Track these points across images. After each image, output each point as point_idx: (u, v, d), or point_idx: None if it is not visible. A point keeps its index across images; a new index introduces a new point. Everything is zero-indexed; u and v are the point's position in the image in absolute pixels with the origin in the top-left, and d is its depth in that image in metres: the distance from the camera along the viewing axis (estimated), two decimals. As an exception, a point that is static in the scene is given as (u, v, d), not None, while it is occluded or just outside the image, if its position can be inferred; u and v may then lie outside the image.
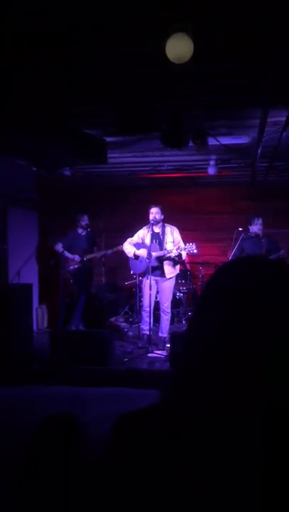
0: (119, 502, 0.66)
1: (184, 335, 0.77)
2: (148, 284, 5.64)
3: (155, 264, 5.66)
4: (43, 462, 0.96)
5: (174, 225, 5.92)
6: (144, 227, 5.93)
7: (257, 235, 5.97)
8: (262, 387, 0.64)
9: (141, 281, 6.04)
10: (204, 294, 0.78)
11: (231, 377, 0.66)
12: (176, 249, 5.62)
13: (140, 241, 5.89)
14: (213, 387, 0.67)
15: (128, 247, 5.91)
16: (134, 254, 5.82)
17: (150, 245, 5.61)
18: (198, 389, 0.69)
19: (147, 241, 5.77)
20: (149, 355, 5.45)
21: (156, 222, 5.74)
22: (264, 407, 0.63)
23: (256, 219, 5.96)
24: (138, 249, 5.84)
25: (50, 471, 0.93)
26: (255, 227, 5.95)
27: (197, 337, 0.74)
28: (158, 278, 5.76)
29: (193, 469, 0.63)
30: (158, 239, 5.77)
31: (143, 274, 5.88)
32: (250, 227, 6.01)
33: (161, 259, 5.69)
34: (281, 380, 0.64)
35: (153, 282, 5.68)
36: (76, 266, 6.60)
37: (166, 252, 5.63)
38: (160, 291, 5.87)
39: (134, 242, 5.93)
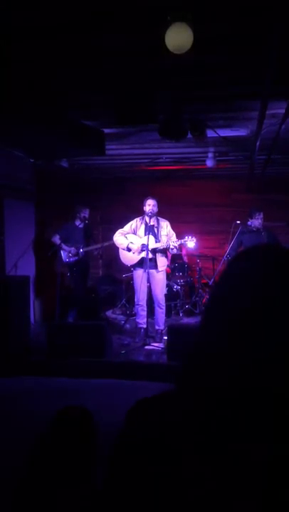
0: (131, 487, 0.66)
1: (199, 326, 0.76)
2: (144, 277, 5.62)
3: (151, 256, 5.65)
4: (58, 454, 0.95)
5: (172, 217, 5.93)
6: (137, 219, 5.91)
7: (257, 229, 5.95)
8: (277, 384, 0.64)
9: (132, 275, 6.02)
10: (219, 287, 0.77)
11: (247, 372, 0.65)
12: (175, 241, 5.63)
13: (132, 232, 5.87)
14: (226, 381, 0.67)
15: (120, 238, 5.88)
16: (128, 247, 5.80)
17: (147, 238, 5.60)
18: (210, 381, 0.68)
19: (140, 233, 5.77)
20: (146, 347, 5.46)
21: (153, 215, 5.74)
22: (276, 404, 0.63)
23: (258, 213, 5.93)
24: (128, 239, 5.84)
25: (67, 463, 0.93)
26: (256, 222, 5.93)
27: (212, 330, 0.73)
28: (151, 270, 5.74)
29: (198, 461, 0.63)
30: (152, 231, 5.75)
31: (135, 266, 5.85)
32: (250, 221, 5.98)
33: (154, 251, 5.69)
34: None
35: (145, 275, 5.66)
36: (73, 258, 6.58)
37: (166, 244, 5.63)
38: (153, 284, 5.85)
39: (125, 232, 5.90)
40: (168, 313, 6.61)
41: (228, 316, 0.70)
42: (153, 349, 5.42)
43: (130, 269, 6.42)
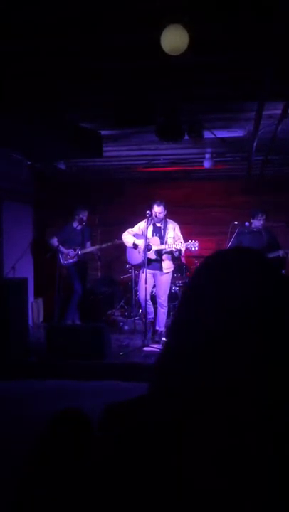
0: (112, 493, 0.66)
1: (169, 328, 0.77)
2: (144, 277, 5.63)
3: (154, 257, 5.66)
4: (57, 457, 0.95)
5: (170, 219, 5.91)
6: (145, 220, 5.90)
7: (258, 230, 5.92)
8: (248, 388, 0.64)
9: (138, 275, 6.03)
10: (191, 286, 0.77)
11: (212, 375, 0.66)
12: (179, 244, 5.61)
13: (140, 232, 5.87)
14: (193, 384, 0.67)
15: (127, 237, 5.90)
16: (134, 244, 5.80)
17: (148, 238, 5.59)
18: (178, 384, 0.69)
19: (149, 234, 5.77)
20: (145, 348, 5.46)
21: (159, 220, 5.74)
22: (252, 407, 0.64)
23: (260, 214, 5.83)
24: (137, 238, 5.83)
25: (63, 468, 0.93)
26: (258, 223, 5.85)
27: (180, 332, 0.74)
28: (156, 271, 5.75)
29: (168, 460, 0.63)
30: (159, 233, 5.76)
31: (139, 267, 5.87)
32: (252, 221, 5.90)
33: (160, 253, 5.69)
34: (269, 384, 0.64)
35: (149, 276, 5.66)
36: (71, 260, 6.58)
37: (167, 246, 5.62)
38: (157, 284, 5.88)
39: (133, 232, 5.91)
40: (167, 315, 6.61)
41: (197, 321, 0.71)
42: (152, 350, 5.42)
43: (128, 270, 6.43)
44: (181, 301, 0.79)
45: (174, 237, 5.74)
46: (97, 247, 6.77)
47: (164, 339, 5.55)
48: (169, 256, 5.76)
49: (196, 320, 0.72)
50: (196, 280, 0.77)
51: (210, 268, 0.77)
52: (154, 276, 5.81)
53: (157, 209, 5.66)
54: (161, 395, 0.71)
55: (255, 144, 4.70)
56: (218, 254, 0.80)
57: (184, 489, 0.62)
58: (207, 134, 4.73)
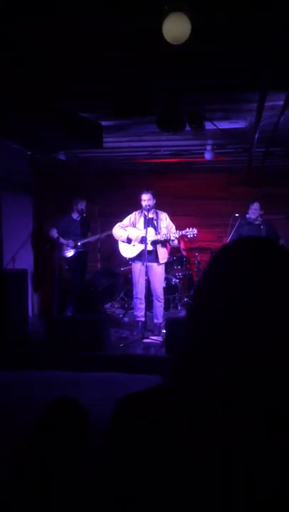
0: (124, 482, 0.66)
1: (184, 319, 0.76)
2: (142, 270, 5.61)
3: (151, 248, 5.64)
4: (51, 446, 0.95)
5: (171, 211, 5.91)
6: (136, 212, 5.89)
7: (257, 221, 5.98)
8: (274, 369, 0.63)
9: (131, 268, 6.01)
10: (206, 277, 0.77)
11: (227, 367, 0.65)
12: (174, 233, 5.61)
13: (131, 225, 5.85)
14: (207, 375, 0.66)
15: (119, 231, 5.86)
16: (128, 238, 5.77)
17: (146, 230, 5.57)
18: (192, 376, 0.68)
19: (140, 226, 5.75)
20: (145, 340, 5.47)
21: (150, 209, 5.71)
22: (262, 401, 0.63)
23: (251, 203, 6.02)
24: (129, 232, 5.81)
25: (60, 454, 0.93)
26: (253, 211, 5.99)
27: (196, 323, 0.73)
28: (152, 263, 5.73)
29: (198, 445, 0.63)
30: (152, 224, 5.74)
31: (134, 259, 5.83)
32: (248, 212, 6.07)
33: (155, 243, 5.67)
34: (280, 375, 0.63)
35: (144, 268, 5.64)
36: (70, 252, 6.56)
37: (167, 235, 5.61)
38: (152, 277, 5.82)
39: (124, 226, 5.88)
40: (166, 307, 6.61)
41: (218, 305, 0.70)
42: (151, 342, 5.43)
43: (129, 262, 6.41)
44: (193, 297, 0.79)
45: (167, 226, 5.76)
46: (97, 236, 6.77)
47: (163, 331, 5.55)
48: (162, 245, 5.76)
49: (203, 307, 0.72)
50: (204, 272, 0.78)
51: (215, 258, 0.77)
52: (148, 268, 5.77)
53: (146, 196, 5.65)
54: (178, 386, 0.70)
55: (256, 135, 4.66)
56: (224, 245, 0.81)
57: (189, 481, 0.61)
58: (208, 125, 4.69)
